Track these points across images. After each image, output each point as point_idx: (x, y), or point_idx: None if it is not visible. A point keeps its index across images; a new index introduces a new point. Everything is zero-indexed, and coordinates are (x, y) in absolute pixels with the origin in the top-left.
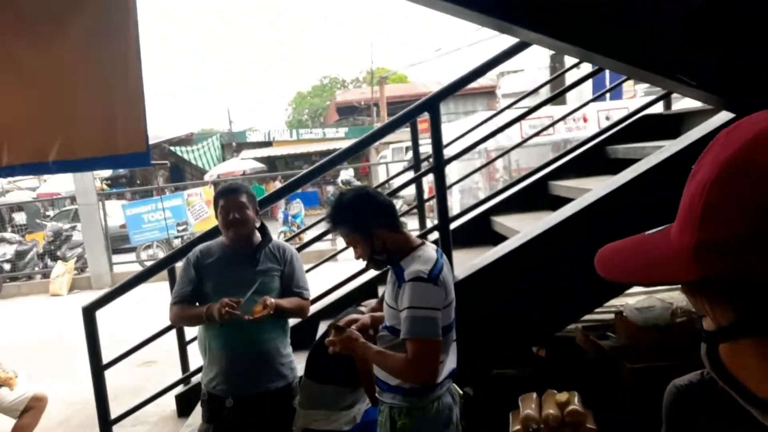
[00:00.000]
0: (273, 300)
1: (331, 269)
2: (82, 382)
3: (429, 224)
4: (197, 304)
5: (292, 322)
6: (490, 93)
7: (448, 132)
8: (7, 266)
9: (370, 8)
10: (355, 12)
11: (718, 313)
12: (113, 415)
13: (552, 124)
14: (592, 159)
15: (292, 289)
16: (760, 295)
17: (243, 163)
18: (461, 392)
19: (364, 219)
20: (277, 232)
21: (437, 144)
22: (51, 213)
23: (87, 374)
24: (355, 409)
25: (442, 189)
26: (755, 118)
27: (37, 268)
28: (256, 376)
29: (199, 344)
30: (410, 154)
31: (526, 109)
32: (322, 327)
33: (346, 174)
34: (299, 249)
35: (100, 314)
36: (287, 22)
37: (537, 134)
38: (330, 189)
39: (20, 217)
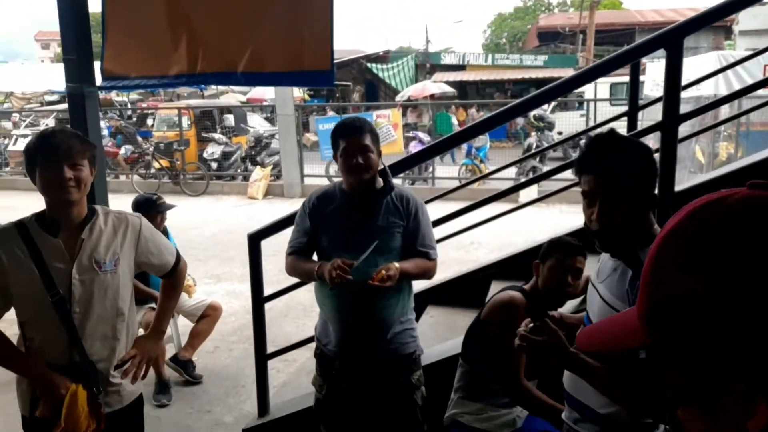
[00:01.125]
0: (397, 267)
1: (513, 217)
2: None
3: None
4: (315, 257)
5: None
6: (719, 28)
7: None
8: (214, 165)
9: None
10: None
11: (670, 378)
12: (280, 335)
13: None
14: None
15: (417, 247)
16: (696, 363)
17: (434, 86)
18: None
19: (642, 182)
20: (459, 164)
21: (673, 94)
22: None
23: (268, 284)
24: (516, 410)
25: (671, 153)
26: (698, 199)
27: (239, 170)
28: (371, 344)
29: (316, 295)
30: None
31: None
32: (495, 287)
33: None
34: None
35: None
36: None
37: None
38: (520, 121)
39: (229, 120)
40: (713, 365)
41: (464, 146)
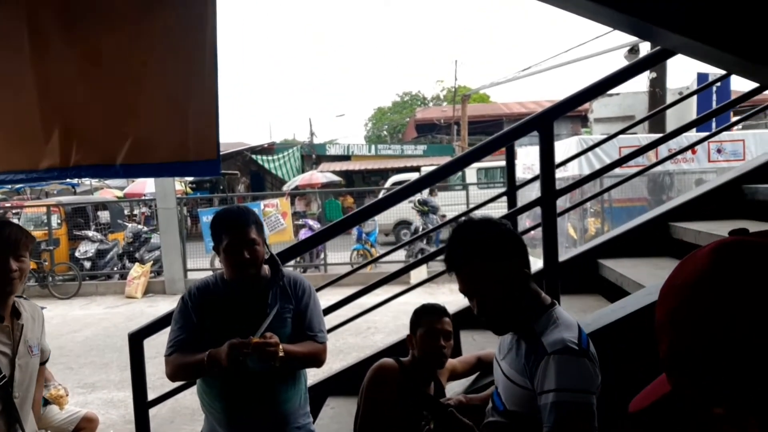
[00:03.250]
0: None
1: (406, 300)
2: None
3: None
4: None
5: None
6: (576, 117)
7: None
8: (87, 264)
9: (451, 24)
10: (435, 28)
11: (695, 423)
12: None
13: (668, 158)
14: (724, 199)
15: (305, 331)
16: (715, 402)
17: (321, 176)
18: None
19: (512, 260)
20: (349, 249)
21: (548, 171)
22: (136, 212)
23: (150, 389)
24: None
25: (552, 225)
26: (699, 250)
27: (116, 268)
28: None
29: (201, 399)
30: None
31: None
32: None
33: (422, 193)
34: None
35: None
36: (368, 37)
37: (649, 168)
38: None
39: (105, 216)
40: (727, 399)
41: (354, 232)
